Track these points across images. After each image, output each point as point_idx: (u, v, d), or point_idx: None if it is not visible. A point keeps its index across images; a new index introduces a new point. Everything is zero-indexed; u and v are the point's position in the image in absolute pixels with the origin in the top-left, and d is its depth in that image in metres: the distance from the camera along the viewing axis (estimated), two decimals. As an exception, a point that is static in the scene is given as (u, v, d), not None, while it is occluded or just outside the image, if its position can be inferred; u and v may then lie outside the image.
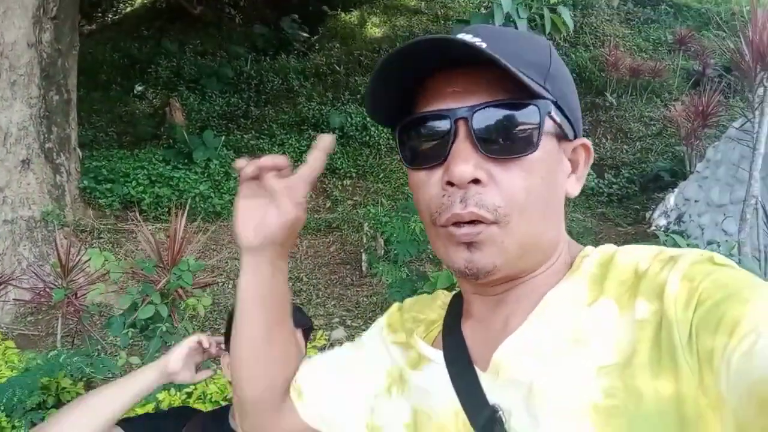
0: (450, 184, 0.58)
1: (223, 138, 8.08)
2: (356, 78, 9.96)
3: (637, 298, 0.56)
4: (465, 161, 0.57)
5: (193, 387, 2.84)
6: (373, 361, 0.79)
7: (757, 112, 4.41)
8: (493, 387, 0.61)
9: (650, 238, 6.59)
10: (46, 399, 3.05)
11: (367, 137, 8.81)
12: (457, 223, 0.58)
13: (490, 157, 0.58)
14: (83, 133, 6.88)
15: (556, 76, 0.61)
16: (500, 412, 0.59)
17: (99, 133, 8.46)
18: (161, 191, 6.68)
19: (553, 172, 0.62)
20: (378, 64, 0.59)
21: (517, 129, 0.58)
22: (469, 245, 0.58)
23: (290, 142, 8.53)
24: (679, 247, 2.85)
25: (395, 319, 0.81)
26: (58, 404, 3.15)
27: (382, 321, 0.83)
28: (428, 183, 0.61)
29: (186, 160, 7.46)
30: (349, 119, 8.95)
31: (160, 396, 2.74)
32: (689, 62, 10.56)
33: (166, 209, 6.62)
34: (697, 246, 4.12)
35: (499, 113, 0.58)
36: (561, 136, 0.62)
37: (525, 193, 0.58)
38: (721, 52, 8.69)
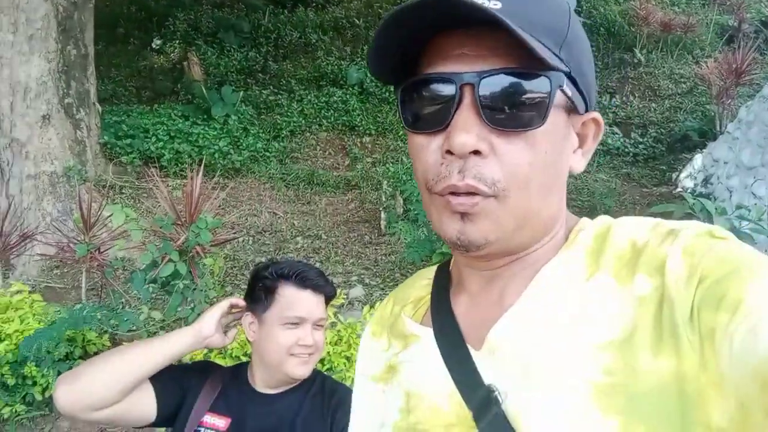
0: (450, 152, 0.55)
1: (241, 93, 8.01)
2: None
3: (637, 273, 0.55)
4: (467, 131, 0.53)
5: (213, 342, 2.90)
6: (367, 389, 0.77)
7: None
8: (487, 366, 0.59)
9: (676, 199, 6.45)
10: (72, 350, 3.15)
11: (387, 93, 8.65)
12: (453, 193, 0.55)
13: (493, 127, 0.54)
14: (102, 88, 6.87)
15: (572, 43, 0.57)
16: (496, 392, 0.57)
17: (118, 87, 8.43)
18: (181, 147, 6.68)
19: (559, 147, 0.58)
20: (383, 19, 0.54)
21: (525, 100, 0.54)
22: (463, 215, 0.56)
23: (309, 98, 8.42)
24: (708, 211, 2.76)
25: (378, 319, 0.79)
26: (85, 355, 3.25)
27: (368, 330, 0.81)
28: (427, 148, 0.58)
29: (205, 116, 7.42)
30: (369, 75, 8.78)
31: (182, 350, 2.80)
32: (724, 17, 10.10)
33: (186, 165, 6.64)
34: (725, 210, 4.02)
35: (508, 82, 0.54)
36: (571, 110, 0.59)
37: (527, 168, 0.55)
38: (758, 7, 8.27)
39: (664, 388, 0.49)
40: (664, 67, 9.36)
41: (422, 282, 0.77)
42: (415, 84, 0.58)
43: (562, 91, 0.56)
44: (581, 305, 0.56)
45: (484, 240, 0.56)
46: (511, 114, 0.54)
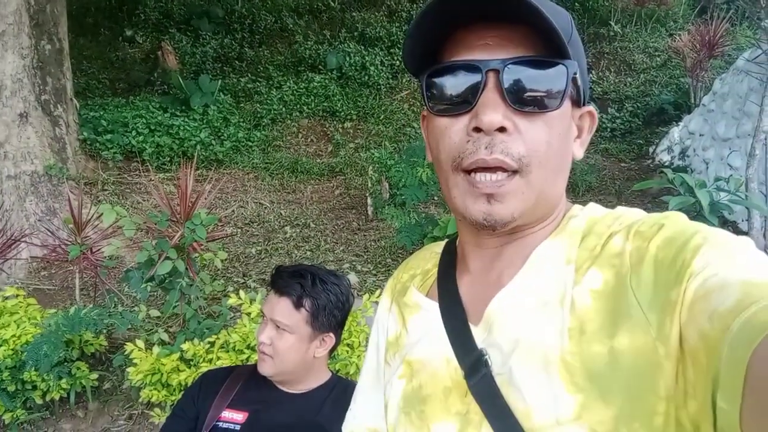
0: (477, 130, 0.60)
1: (219, 82, 7.90)
2: (353, 14, 9.62)
3: (592, 266, 0.61)
4: (494, 110, 0.59)
5: (215, 336, 2.92)
6: (378, 361, 0.84)
7: (771, 44, 4.30)
8: (482, 339, 0.66)
9: (654, 173, 6.59)
10: (71, 352, 3.15)
11: (367, 77, 8.62)
12: (480, 170, 0.61)
13: (516, 109, 0.60)
14: (75, 82, 6.71)
15: (574, 43, 0.63)
16: (487, 356, 0.64)
17: (91, 80, 8.24)
18: (161, 140, 6.59)
19: (568, 132, 0.65)
20: (424, 7, 0.61)
21: (544, 85, 0.61)
22: (489, 197, 0.61)
23: (288, 84, 8.34)
24: (688, 185, 2.83)
25: (389, 289, 0.86)
26: (82, 356, 3.25)
27: (381, 304, 0.87)
28: (452, 129, 0.63)
29: (183, 107, 7.32)
30: (348, 59, 8.71)
31: (184, 346, 2.83)
32: (696, -12, 10.21)
33: (168, 158, 6.57)
34: (704, 183, 4.13)
35: (529, 68, 0.60)
36: (574, 101, 0.66)
37: (546, 146, 0.61)
38: (729, -23, 8.39)
39: (619, 366, 0.54)
40: (638, 41, 9.45)
41: (431, 254, 0.84)
42: (442, 70, 0.64)
43: (574, 79, 0.63)
44: (556, 290, 0.62)
45: (510, 217, 0.62)
46: (531, 97, 0.60)
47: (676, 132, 6.96)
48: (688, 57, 7.48)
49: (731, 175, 4.54)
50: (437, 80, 0.64)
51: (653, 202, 5.83)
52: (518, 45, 0.60)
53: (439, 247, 0.83)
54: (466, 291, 0.72)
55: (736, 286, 0.49)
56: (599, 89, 8.73)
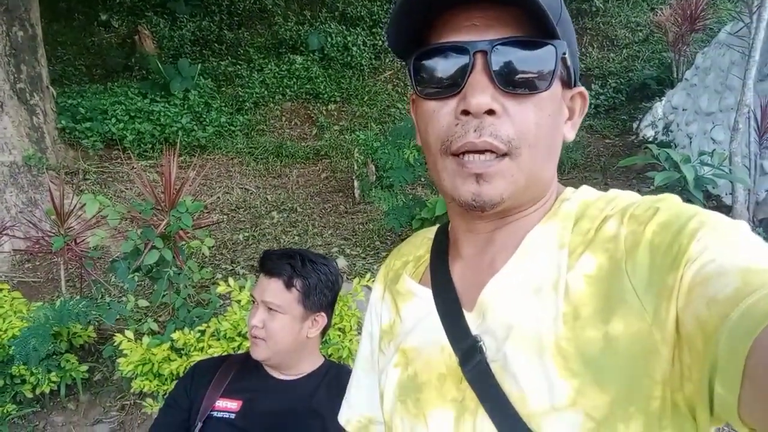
0: (465, 113, 0.59)
1: (199, 66, 7.76)
2: (333, -7, 9.47)
3: (585, 251, 0.61)
4: (482, 92, 0.58)
5: (205, 325, 2.90)
6: (372, 349, 0.84)
7: (754, 17, 4.31)
8: (476, 325, 0.65)
9: (637, 148, 6.64)
10: (59, 344, 3.11)
11: (349, 58, 8.52)
12: (468, 152, 0.60)
13: (505, 91, 0.59)
14: (51, 69, 6.55)
15: (564, 23, 0.62)
16: (481, 343, 0.63)
17: (68, 67, 8.06)
18: (142, 127, 6.48)
19: (558, 113, 0.64)
20: None
21: (533, 66, 0.59)
22: (478, 177, 0.60)
23: (269, 67, 8.23)
24: (672, 160, 2.85)
25: (382, 276, 0.86)
26: (71, 349, 3.22)
27: (374, 293, 0.86)
28: (440, 113, 0.62)
29: (163, 92, 7.19)
30: (329, 39, 8.60)
31: (174, 336, 2.80)
32: (677, -39, 10.18)
33: (150, 145, 6.47)
34: (688, 158, 4.17)
35: (517, 50, 0.59)
36: (564, 82, 0.65)
37: (535, 127, 0.60)
38: (710, -50, 8.36)
39: (614, 351, 0.54)
40: (620, 15, 9.45)
41: (423, 240, 0.83)
42: (429, 52, 0.62)
43: (563, 60, 0.62)
44: (550, 275, 0.61)
45: (500, 198, 0.61)
46: (520, 78, 0.59)
47: (659, 107, 6.99)
48: (670, 31, 7.49)
49: (714, 150, 4.58)
50: (424, 63, 0.63)
51: (638, 177, 5.87)
52: (506, 25, 0.59)
53: (431, 232, 0.82)
54: (459, 277, 0.71)
55: (735, 273, 0.48)
56: (582, 66, 8.73)
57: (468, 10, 0.60)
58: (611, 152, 6.85)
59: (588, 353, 0.55)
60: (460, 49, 0.59)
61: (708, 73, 6.03)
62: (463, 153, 0.60)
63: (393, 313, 0.78)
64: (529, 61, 0.59)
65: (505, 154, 0.59)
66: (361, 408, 0.85)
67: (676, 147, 6.05)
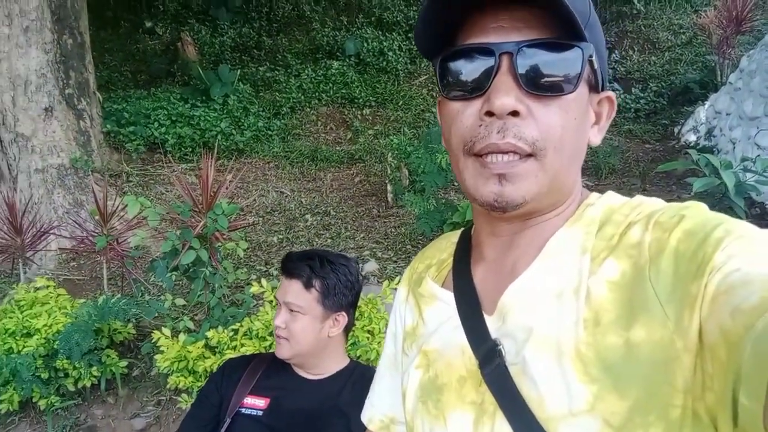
0: (489, 114, 0.59)
1: (238, 72, 7.94)
2: (370, -1, 9.56)
3: (609, 257, 0.60)
4: (506, 93, 0.58)
5: (239, 324, 2.97)
6: (396, 350, 0.85)
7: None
8: (497, 329, 0.66)
9: (678, 154, 6.46)
10: (100, 340, 3.24)
11: (385, 63, 8.58)
12: (491, 153, 0.60)
13: (530, 92, 0.59)
14: (98, 75, 6.82)
15: (593, 27, 0.62)
16: (500, 346, 0.64)
17: (113, 73, 8.36)
18: (183, 131, 6.67)
19: (584, 117, 0.64)
20: None
21: (559, 68, 0.59)
22: (501, 178, 0.60)
23: (306, 72, 8.35)
24: (713, 166, 2.78)
25: (406, 279, 0.87)
26: (112, 344, 3.34)
27: (398, 294, 0.87)
28: (464, 113, 0.62)
29: (203, 97, 7.39)
30: (365, 45, 8.68)
31: (209, 334, 2.88)
32: (723, -39, 9.88)
33: (190, 149, 6.65)
34: (730, 164, 4.04)
35: (543, 51, 0.59)
36: (591, 86, 0.65)
37: (561, 130, 0.60)
38: (758, -51, 8.09)
39: (634, 358, 0.54)
40: (662, 18, 9.23)
41: (447, 244, 0.83)
42: (456, 53, 0.63)
43: (590, 62, 0.61)
44: (572, 280, 0.61)
45: (522, 199, 0.61)
46: (546, 80, 0.59)
47: (702, 111, 6.79)
48: (714, 33, 7.28)
49: (759, 155, 4.43)
50: (450, 64, 0.63)
51: (678, 183, 5.72)
52: (533, 27, 0.59)
53: (455, 236, 0.83)
54: (480, 280, 0.72)
55: (760, 282, 0.47)
56: (623, 69, 8.57)
57: (495, 11, 0.60)
58: (651, 157, 6.68)
59: (608, 359, 0.55)
60: (485, 50, 0.60)
61: (753, 76, 5.82)
62: (486, 154, 0.60)
63: (416, 316, 0.79)
64: (555, 63, 0.59)
65: (529, 155, 0.59)
66: (384, 408, 0.87)
67: (718, 152, 5.87)
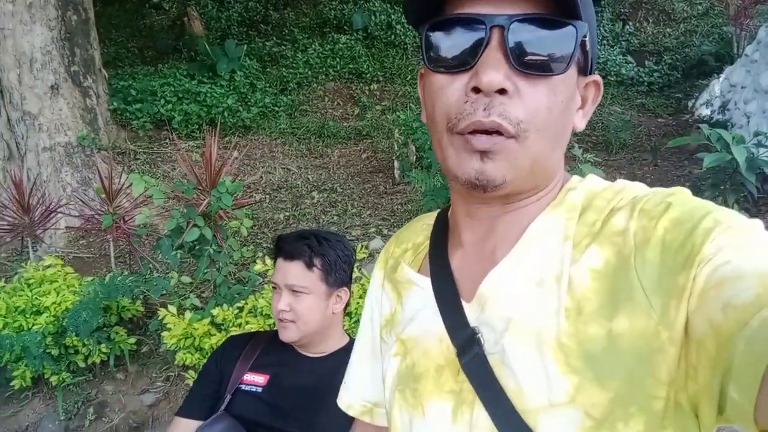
0: (476, 90, 0.56)
1: (245, 47, 7.87)
2: (377, -29, 9.38)
3: (591, 244, 0.59)
4: (495, 69, 0.55)
5: (243, 302, 2.99)
6: (373, 335, 0.84)
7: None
8: (475, 317, 0.64)
9: (691, 128, 6.34)
10: (109, 317, 3.28)
11: (393, 36, 8.45)
12: (475, 132, 0.57)
13: (519, 70, 0.56)
14: (104, 51, 6.79)
15: (586, 5, 0.58)
16: (479, 334, 0.62)
17: (120, 50, 8.32)
18: (189, 108, 6.65)
19: (572, 99, 0.61)
20: None
21: (551, 47, 0.56)
22: (483, 155, 0.58)
23: (313, 47, 8.26)
24: (725, 141, 2.72)
25: (382, 263, 0.85)
26: (120, 322, 3.39)
27: (374, 280, 0.85)
28: (450, 87, 0.59)
29: (210, 73, 7.34)
30: (373, 18, 8.55)
31: (214, 311, 2.91)
32: (742, -72, 9.56)
33: (197, 126, 6.64)
34: (742, 138, 3.96)
35: (537, 27, 0.56)
36: (580, 68, 0.62)
37: (546, 112, 0.57)
38: None
39: (617, 349, 0.53)
40: (678, -12, 8.99)
41: (422, 226, 0.81)
42: (443, 22, 0.59)
43: (583, 43, 0.59)
44: (553, 268, 0.60)
45: (502, 178, 0.58)
46: (537, 58, 0.56)
47: (716, 85, 6.65)
48: (731, 4, 7.10)
49: (773, 130, 4.32)
50: (437, 34, 0.59)
51: (690, 159, 5.63)
52: (527, 1, 0.56)
53: (431, 218, 0.80)
54: (458, 266, 0.70)
55: (753, 277, 0.46)
56: (636, 41, 8.38)
57: None
58: (663, 132, 6.57)
59: (590, 350, 0.54)
60: (476, 21, 0.56)
61: (771, 48, 5.67)
62: (471, 133, 0.57)
63: (394, 302, 0.78)
64: (548, 40, 0.56)
65: (512, 137, 0.57)
66: (364, 393, 0.86)
67: (732, 127, 5.75)
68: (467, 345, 0.63)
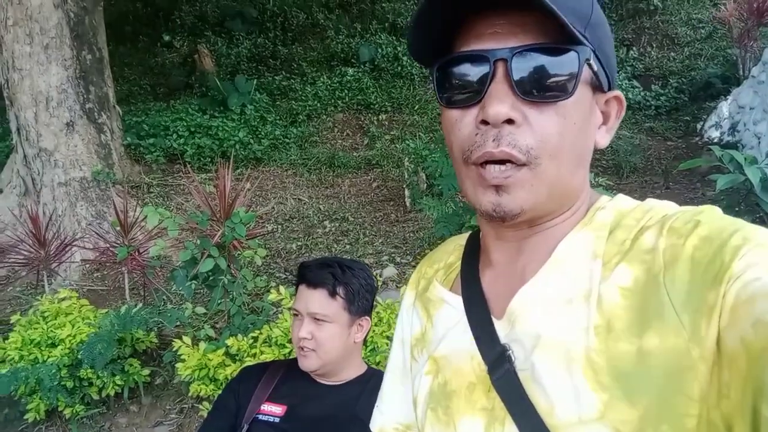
0: (484, 123, 0.59)
1: (255, 82, 8.02)
2: (383, 5, 9.59)
3: (621, 262, 0.59)
4: (501, 101, 0.57)
5: (258, 332, 2.98)
6: (404, 356, 0.84)
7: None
8: (505, 334, 0.65)
9: (701, 150, 6.33)
10: (123, 349, 3.28)
11: (399, 68, 8.59)
12: (487, 163, 0.59)
13: (525, 99, 0.58)
14: (118, 89, 6.95)
15: (596, 26, 0.60)
16: (510, 351, 0.63)
17: (133, 87, 8.52)
18: (202, 141, 6.76)
19: (586, 121, 0.62)
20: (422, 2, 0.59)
21: (555, 73, 0.58)
22: (498, 188, 0.59)
23: (322, 80, 8.40)
24: (737, 162, 2.69)
25: (414, 283, 0.85)
26: (135, 354, 3.38)
27: (405, 300, 0.86)
28: (462, 121, 0.61)
29: (221, 108, 7.47)
30: (380, 50, 8.70)
31: (229, 342, 2.90)
32: (742, -47, 9.71)
33: (209, 159, 6.73)
34: (755, 159, 3.94)
35: (539, 57, 0.58)
36: (596, 86, 0.63)
37: (558, 137, 0.59)
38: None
39: (647, 366, 0.53)
40: (680, 13, 9.09)
41: (454, 247, 0.82)
42: (451, 62, 0.62)
43: (589, 65, 0.60)
44: (583, 286, 0.60)
45: (519, 209, 0.60)
46: (542, 86, 0.58)
47: (724, 106, 6.66)
48: (734, 27, 7.15)
49: (785, 149, 4.31)
50: (446, 72, 0.62)
51: (702, 181, 5.61)
52: (529, 32, 0.58)
53: (463, 239, 0.81)
54: (489, 285, 0.71)
55: None
56: (641, 66, 8.45)
57: (491, 16, 0.59)
58: (673, 155, 6.57)
59: (620, 367, 0.54)
60: (480, 57, 0.59)
61: (777, 68, 5.70)
62: (484, 163, 0.59)
63: (425, 320, 0.78)
64: (551, 68, 0.58)
65: (523, 164, 0.58)
66: (396, 416, 0.85)
67: (743, 148, 5.74)
68: (498, 362, 0.63)
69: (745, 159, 3.80)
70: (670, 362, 0.52)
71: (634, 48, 8.69)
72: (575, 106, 0.60)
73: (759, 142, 5.61)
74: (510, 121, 0.57)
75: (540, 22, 0.57)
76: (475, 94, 0.60)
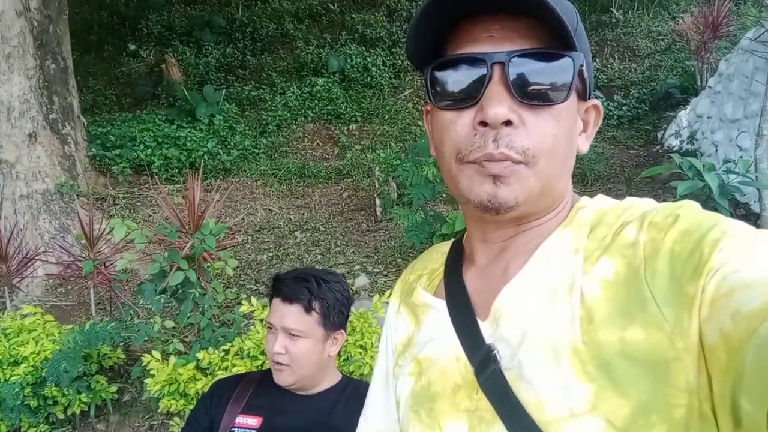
0: (483, 124, 0.60)
1: (223, 92, 7.95)
2: (353, 15, 9.64)
3: (603, 255, 0.60)
4: (500, 103, 0.59)
5: (230, 344, 2.94)
6: (387, 364, 0.84)
7: (773, 22, 4.24)
8: (490, 333, 0.65)
9: (662, 158, 6.53)
10: (89, 366, 3.20)
11: (369, 78, 8.63)
12: (487, 161, 0.60)
13: (522, 102, 0.60)
14: (83, 99, 6.80)
15: (581, 36, 0.63)
16: (495, 351, 0.63)
17: (98, 97, 8.35)
18: (169, 152, 6.65)
19: (574, 125, 0.65)
20: (426, 2, 0.61)
21: (550, 78, 0.60)
22: (495, 178, 0.61)
23: (291, 90, 8.38)
24: (696, 169, 2.79)
25: (398, 291, 0.86)
26: (101, 370, 3.30)
27: (391, 306, 0.87)
28: (457, 123, 0.62)
29: (189, 118, 7.38)
30: (349, 61, 8.73)
31: (200, 355, 2.85)
32: (697, -31, 10.10)
33: (177, 170, 6.63)
34: (713, 166, 4.09)
35: (535, 61, 0.60)
36: (579, 94, 0.66)
37: (552, 138, 0.61)
38: (731, -44, 8.26)
39: (633, 357, 0.54)
40: (641, 25, 9.38)
41: (437, 255, 0.83)
42: (447, 63, 0.63)
43: (581, 72, 0.63)
44: (565, 280, 0.61)
45: (514, 201, 0.61)
46: (537, 90, 0.60)
47: (683, 116, 6.89)
48: (692, 39, 7.40)
49: (741, 157, 4.49)
50: (442, 74, 0.64)
51: (663, 188, 5.78)
52: (524, 37, 0.60)
53: (446, 246, 0.83)
54: (472, 286, 0.72)
55: (762, 286, 0.47)
56: (604, 77, 8.67)
57: (486, 21, 0.61)
58: (635, 163, 6.75)
59: (603, 356, 0.55)
60: (477, 60, 0.60)
61: (732, 80, 5.92)
62: (482, 161, 0.61)
63: (411, 325, 0.79)
64: (547, 72, 0.60)
65: (521, 163, 0.60)
66: (378, 423, 0.85)
67: (701, 155, 5.94)
68: (484, 363, 0.64)
69: (704, 166, 3.94)
70: (655, 354, 0.53)
71: (597, 59, 8.92)
72: (567, 111, 0.62)
73: (716, 150, 5.81)
74: (508, 123, 0.59)
75: (532, 28, 0.60)
76: (471, 96, 0.61)
